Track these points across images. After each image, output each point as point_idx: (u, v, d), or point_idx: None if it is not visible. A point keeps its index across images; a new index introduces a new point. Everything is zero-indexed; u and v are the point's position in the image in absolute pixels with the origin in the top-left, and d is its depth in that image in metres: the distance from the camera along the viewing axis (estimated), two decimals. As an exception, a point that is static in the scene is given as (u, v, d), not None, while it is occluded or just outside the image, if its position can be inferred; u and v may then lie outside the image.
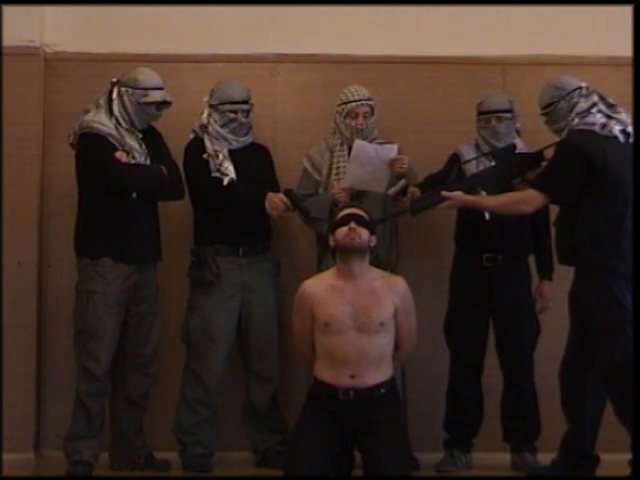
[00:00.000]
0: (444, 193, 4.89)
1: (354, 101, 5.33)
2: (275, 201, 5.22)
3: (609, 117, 4.79)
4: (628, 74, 5.15)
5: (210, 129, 5.32)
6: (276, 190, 5.32)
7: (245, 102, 5.34)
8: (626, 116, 4.82)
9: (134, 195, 5.10)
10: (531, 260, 5.38)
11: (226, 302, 5.26)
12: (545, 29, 5.73)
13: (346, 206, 4.85)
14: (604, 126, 4.77)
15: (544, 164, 4.90)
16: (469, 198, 4.92)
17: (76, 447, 5.04)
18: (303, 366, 5.04)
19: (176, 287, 5.46)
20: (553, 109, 4.89)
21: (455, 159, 5.34)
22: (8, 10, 5.47)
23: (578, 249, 4.76)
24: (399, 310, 4.67)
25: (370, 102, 5.35)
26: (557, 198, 4.82)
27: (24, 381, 5.49)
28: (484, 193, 4.99)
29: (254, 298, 5.30)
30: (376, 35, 5.75)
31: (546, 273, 5.37)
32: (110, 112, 5.12)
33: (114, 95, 5.14)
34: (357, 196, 5.26)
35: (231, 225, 5.26)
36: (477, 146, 5.35)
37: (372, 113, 5.36)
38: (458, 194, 4.90)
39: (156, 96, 5.15)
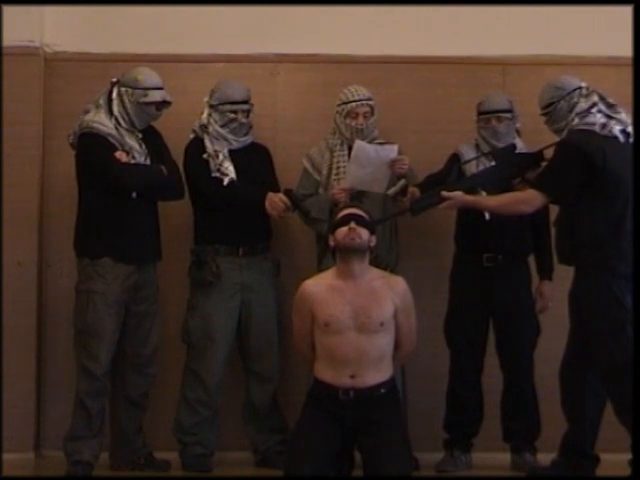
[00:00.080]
0: (444, 193, 4.89)
1: (354, 101, 5.33)
2: (275, 201, 5.21)
3: (609, 117, 4.79)
4: (628, 74, 5.15)
5: (210, 129, 5.32)
6: (276, 190, 5.31)
7: (245, 102, 5.34)
8: (626, 116, 4.82)
9: (134, 195, 5.10)
10: (531, 260, 5.37)
11: (226, 302, 5.26)
12: (545, 29, 5.74)
13: (346, 206, 4.85)
14: (604, 126, 4.77)
15: (544, 164, 4.90)
16: (469, 198, 4.92)
17: (76, 447, 5.03)
18: (303, 366, 5.04)
19: (176, 287, 5.46)
20: (553, 109, 4.89)
21: (455, 159, 5.34)
22: (8, 10, 5.47)
23: (578, 249, 4.76)
24: (399, 310, 4.67)
25: (370, 102, 5.35)
26: (557, 198, 4.82)
27: (24, 381, 5.48)
28: (484, 193, 4.99)
29: (254, 298, 5.30)
30: (376, 35, 5.75)
31: (546, 273, 5.36)
32: (110, 112, 5.12)
33: (114, 95, 5.14)
34: (357, 196, 5.26)
35: (231, 225, 5.25)
36: (477, 146, 5.35)
37: (372, 113, 5.36)
38: (458, 194, 4.89)
39: (156, 96, 5.15)
